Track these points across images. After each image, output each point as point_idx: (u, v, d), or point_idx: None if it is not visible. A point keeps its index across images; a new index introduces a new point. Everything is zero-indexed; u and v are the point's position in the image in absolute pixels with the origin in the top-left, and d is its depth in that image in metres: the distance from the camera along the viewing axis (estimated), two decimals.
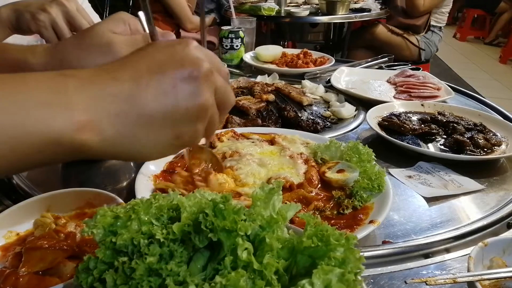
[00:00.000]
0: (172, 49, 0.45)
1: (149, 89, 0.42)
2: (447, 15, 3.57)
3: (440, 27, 3.58)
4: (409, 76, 1.69)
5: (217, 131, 1.11)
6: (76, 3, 1.06)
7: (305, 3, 3.60)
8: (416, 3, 3.31)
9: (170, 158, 0.99)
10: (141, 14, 0.66)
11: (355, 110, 1.43)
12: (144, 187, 0.85)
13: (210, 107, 0.46)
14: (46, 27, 1.00)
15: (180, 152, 1.02)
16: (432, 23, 3.51)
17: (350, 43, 3.60)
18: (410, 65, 1.94)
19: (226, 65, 1.84)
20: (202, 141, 0.56)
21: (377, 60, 2.01)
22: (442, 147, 1.16)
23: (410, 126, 1.20)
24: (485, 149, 1.11)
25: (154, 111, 0.43)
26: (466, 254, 0.69)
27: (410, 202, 0.92)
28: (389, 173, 1.01)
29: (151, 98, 0.42)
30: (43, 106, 0.39)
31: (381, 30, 3.51)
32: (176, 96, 0.43)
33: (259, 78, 1.73)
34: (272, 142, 1.06)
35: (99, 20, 1.88)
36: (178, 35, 2.92)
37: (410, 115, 1.33)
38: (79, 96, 0.40)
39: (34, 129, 0.38)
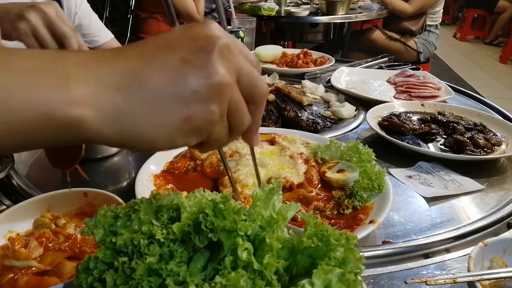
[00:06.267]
0: (187, 28, 0.41)
1: (154, 64, 0.38)
2: (441, 12, 3.56)
3: (436, 25, 3.57)
4: (409, 76, 1.69)
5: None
6: (56, 7, 1.04)
7: (305, 3, 3.61)
8: (403, 10, 3.32)
9: (170, 157, 0.99)
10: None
11: (355, 110, 1.43)
12: (144, 187, 0.85)
13: (227, 87, 0.39)
14: (27, 34, 0.98)
15: (180, 152, 1.02)
16: (428, 22, 3.51)
17: (349, 45, 3.60)
18: (410, 65, 1.94)
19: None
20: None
21: (377, 60, 2.01)
22: (442, 147, 1.16)
23: (410, 126, 1.20)
24: (485, 149, 1.11)
25: (158, 87, 0.37)
26: (466, 254, 0.69)
27: (410, 202, 0.92)
28: (389, 173, 1.01)
29: (156, 73, 0.38)
30: (33, 73, 0.35)
31: (378, 35, 3.51)
32: (185, 71, 0.38)
33: None
34: (272, 142, 1.06)
35: (98, 20, 1.88)
36: None
37: (410, 115, 1.33)
38: (76, 67, 0.36)
39: (22, 100, 0.34)
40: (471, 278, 0.59)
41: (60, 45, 1.03)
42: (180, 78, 0.38)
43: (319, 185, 0.89)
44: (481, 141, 1.12)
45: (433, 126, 1.22)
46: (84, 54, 0.38)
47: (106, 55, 0.38)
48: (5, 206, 0.85)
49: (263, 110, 0.45)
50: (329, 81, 1.67)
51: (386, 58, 2.01)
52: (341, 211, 0.81)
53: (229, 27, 1.99)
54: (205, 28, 0.40)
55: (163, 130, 0.39)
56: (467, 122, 1.25)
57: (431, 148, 1.16)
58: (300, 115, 1.32)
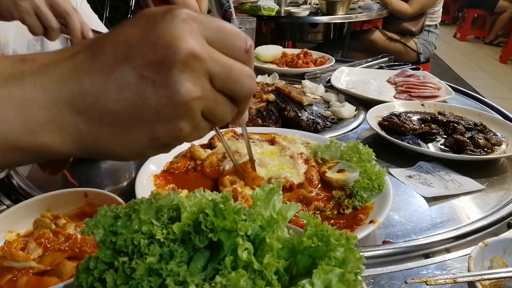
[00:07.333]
0: (151, 24, 0.35)
1: (113, 82, 0.34)
2: (440, 12, 3.56)
3: (436, 25, 3.57)
4: (409, 76, 1.69)
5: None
6: None
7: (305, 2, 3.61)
8: (403, 10, 3.32)
9: (170, 158, 0.99)
10: None
11: (355, 110, 1.43)
12: (144, 187, 0.85)
13: (194, 102, 0.36)
14: (29, 13, 0.99)
15: (181, 152, 1.02)
16: (427, 22, 3.51)
17: (349, 45, 3.60)
18: (410, 65, 1.94)
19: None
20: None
21: (377, 60, 2.01)
22: (442, 147, 1.16)
23: (410, 126, 1.20)
24: (485, 149, 1.11)
25: (118, 109, 0.35)
26: (466, 254, 0.69)
27: (410, 202, 0.92)
28: (389, 173, 1.01)
29: (115, 93, 0.34)
30: None
31: (378, 36, 3.51)
32: (145, 90, 0.34)
33: (259, 78, 1.73)
34: (272, 142, 1.06)
35: (99, 21, 1.88)
36: None
37: (410, 115, 1.33)
38: (35, 90, 0.34)
39: None
40: (471, 278, 0.59)
41: (62, 23, 1.05)
42: (140, 99, 0.35)
43: (319, 185, 0.89)
44: (481, 141, 1.12)
45: (433, 126, 1.22)
46: (42, 71, 0.35)
47: (64, 70, 0.35)
48: (5, 206, 0.85)
49: (249, 101, 0.42)
50: (329, 81, 1.67)
51: (386, 58, 2.01)
52: (341, 211, 0.81)
53: None
54: (167, 29, 0.35)
55: (131, 149, 0.38)
56: (467, 122, 1.25)
57: (431, 148, 1.15)
58: (300, 115, 1.32)
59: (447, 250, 0.77)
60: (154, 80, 0.34)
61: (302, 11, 3.10)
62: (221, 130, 1.12)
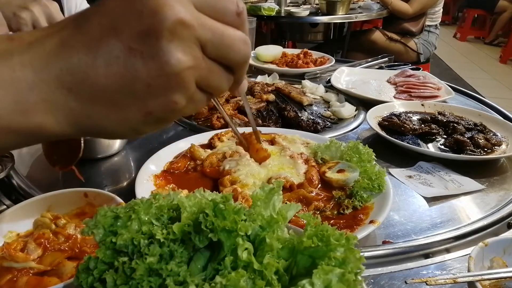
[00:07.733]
0: None
1: (101, 56, 0.33)
2: (441, 12, 3.56)
3: (436, 25, 3.57)
4: (409, 76, 1.70)
5: (218, 131, 1.11)
6: (57, 7, 1.07)
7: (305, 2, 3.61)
8: (403, 11, 3.32)
9: (170, 158, 0.99)
10: None
11: (355, 110, 1.43)
12: (144, 187, 0.85)
13: (186, 72, 0.34)
14: (27, 24, 1.01)
15: (181, 152, 1.02)
16: (427, 22, 3.51)
17: (349, 45, 3.60)
18: (410, 65, 1.94)
19: None
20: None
21: (377, 60, 2.01)
22: (442, 147, 1.16)
23: (410, 126, 1.20)
24: (485, 149, 1.11)
25: (109, 85, 0.34)
26: (467, 254, 0.69)
27: (410, 202, 0.92)
28: (389, 173, 1.01)
29: (103, 68, 0.33)
30: None
31: (378, 36, 3.51)
32: (133, 63, 0.33)
33: (259, 78, 1.73)
34: (272, 142, 1.06)
35: None
36: None
37: (410, 115, 1.33)
38: (24, 68, 0.33)
39: None
40: (471, 278, 0.59)
41: None
42: (130, 73, 0.33)
43: (319, 185, 0.89)
44: (481, 141, 1.12)
45: (433, 126, 1.22)
46: (29, 49, 0.34)
47: (51, 47, 0.34)
48: (5, 206, 0.85)
49: (246, 68, 0.40)
50: (329, 81, 1.67)
51: (386, 58, 2.01)
52: (341, 211, 0.81)
53: None
54: None
55: (126, 126, 0.37)
56: (467, 122, 1.25)
57: (431, 148, 1.16)
58: (300, 115, 1.32)
59: (447, 250, 0.77)
60: (142, 51, 0.33)
61: (302, 11, 3.10)
62: (221, 131, 1.12)
